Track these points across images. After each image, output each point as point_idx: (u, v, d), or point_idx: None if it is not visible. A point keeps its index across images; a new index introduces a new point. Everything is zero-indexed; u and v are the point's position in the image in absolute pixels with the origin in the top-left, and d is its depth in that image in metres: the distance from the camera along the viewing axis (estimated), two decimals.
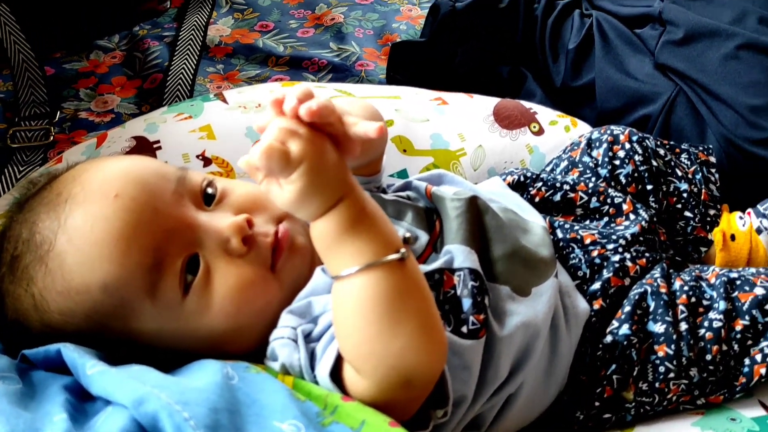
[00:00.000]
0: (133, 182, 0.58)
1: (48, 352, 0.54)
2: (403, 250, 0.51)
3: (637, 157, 0.78)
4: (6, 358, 0.55)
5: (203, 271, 0.58)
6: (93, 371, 0.49)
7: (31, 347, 0.56)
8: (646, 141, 0.80)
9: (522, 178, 0.78)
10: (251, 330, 0.59)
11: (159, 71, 1.22)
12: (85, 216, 0.56)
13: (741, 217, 0.81)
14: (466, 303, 0.59)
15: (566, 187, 0.76)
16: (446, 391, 0.55)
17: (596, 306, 0.67)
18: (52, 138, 1.09)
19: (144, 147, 0.80)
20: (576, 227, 0.72)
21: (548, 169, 0.83)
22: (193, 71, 1.21)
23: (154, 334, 0.57)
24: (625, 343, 0.64)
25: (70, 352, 0.52)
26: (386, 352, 0.50)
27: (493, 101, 0.92)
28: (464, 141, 0.88)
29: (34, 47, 1.20)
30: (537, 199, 0.77)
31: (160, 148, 0.80)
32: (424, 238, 0.65)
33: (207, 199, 0.62)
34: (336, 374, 0.54)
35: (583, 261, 0.69)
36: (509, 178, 0.79)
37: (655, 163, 0.79)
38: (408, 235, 0.54)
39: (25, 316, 0.58)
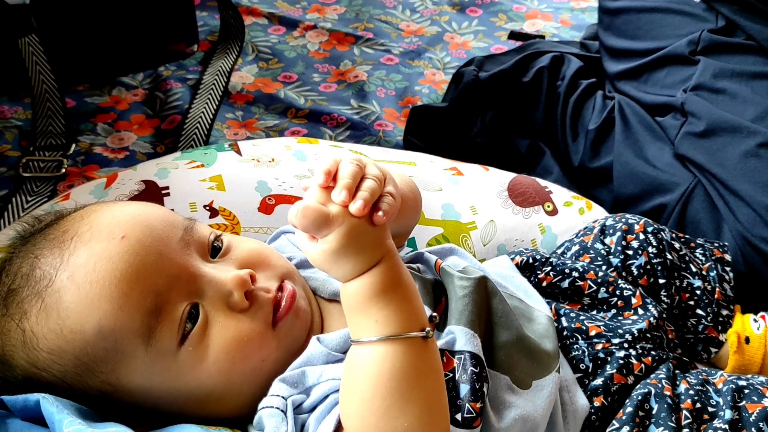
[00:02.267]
0: (141, 226, 0.57)
1: (27, 402, 0.52)
2: (428, 328, 0.51)
3: (651, 249, 0.77)
4: None
5: (202, 321, 0.57)
6: (69, 429, 0.48)
7: (10, 392, 0.54)
8: (662, 233, 0.79)
9: (531, 260, 0.77)
10: (241, 391, 0.57)
11: (178, 113, 1.23)
12: (90, 254, 0.55)
13: (755, 320, 0.79)
14: (464, 389, 0.57)
15: (575, 274, 0.74)
16: None
17: (597, 403, 0.65)
18: (63, 170, 1.09)
19: (152, 192, 0.79)
20: (582, 317, 0.70)
21: (559, 251, 0.82)
22: (212, 116, 1.22)
23: (140, 386, 0.56)
24: None
25: (49, 405, 0.50)
26: (390, 428, 0.49)
27: (508, 176, 0.91)
28: (476, 214, 0.86)
29: (58, 78, 1.20)
30: (544, 284, 0.75)
31: (168, 194, 0.79)
32: (427, 312, 0.63)
33: (213, 252, 0.61)
34: None
35: (586, 354, 0.67)
36: (518, 258, 0.77)
37: (669, 257, 0.77)
38: (435, 314, 0.53)
39: (11, 352, 0.56)
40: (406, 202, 0.64)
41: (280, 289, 0.60)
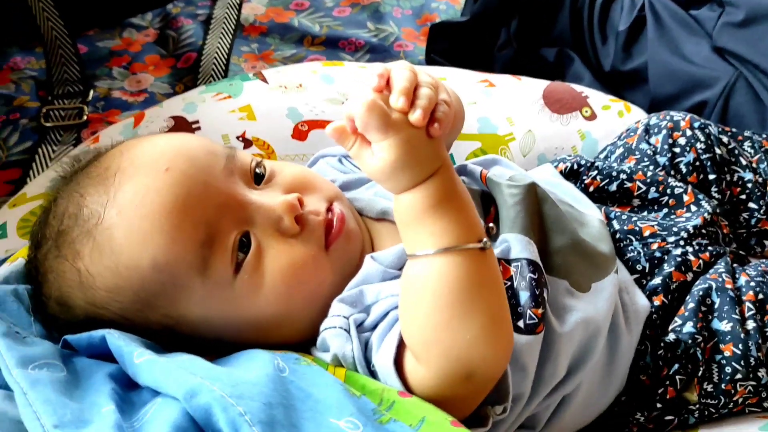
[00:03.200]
0: (184, 157, 0.55)
1: (91, 339, 0.52)
2: (485, 239, 0.49)
3: (699, 145, 0.74)
4: (49, 344, 0.53)
5: (255, 249, 0.55)
6: (141, 360, 0.47)
7: (72, 332, 0.54)
8: (709, 128, 0.76)
9: (575, 166, 0.75)
10: (300, 316, 0.57)
11: (193, 50, 1.20)
12: (136, 189, 0.54)
13: None
14: (524, 296, 0.56)
15: (623, 176, 0.73)
16: (506, 386, 0.52)
17: (657, 302, 0.64)
18: (85, 117, 1.07)
19: (182, 127, 0.77)
20: (634, 218, 0.69)
21: (602, 156, 0.80)
22: (227, 50, 1.19)
23: (200, 317, 0.55)
24: (690, 341, 0.61)
25: (116, 340, 0.50)
26: (453, 341, 0.48)
27: (542, 84, 0.88)
28: (513, 125, 0.84)
29: (67, 24, 1.17)
30: (591, 189, 0.73)
31: (199, 128, 0.77)
32: None
33: (256, 179, 0.59)
34: (396, 363, 0.51)
35: (642, 254, 0.66)
36: (561, 166, 0.75)
37: (718, 151, 0.75)
38: (491, 225, 0.52)
39: (68, 294, 0.55)
40: (456, 113, 0.62)
41: (329, 211, 0.59)
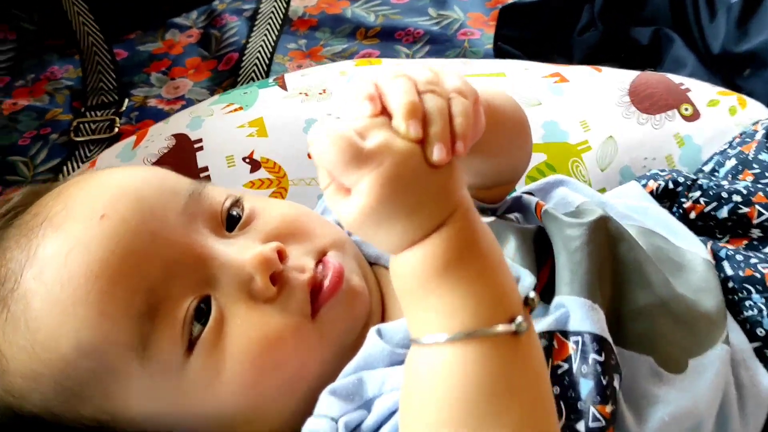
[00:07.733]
0: (127, 198, 0.43)
1: None
2: (520, 318, 0.34)
3: None
4: None
5: (215, 319, 0.42)
6: None
7: None
8: None
9: (671, 184, 0.57)
10: (276, 409, 0.44)
11: (235, 50, 1.09)
12: (61, 243, 0.42)
13: None
14: (586, 386, 0.41)
15: (737, 198, 0.55)
16: None
17: None
18: (116, 130, 0.98)
19: (183, 147, 0.66)
20: (753, 260, 0.51)
21: (707, 169, 0.62)
22: (272, 48, 1.07)
23: (143, 413, 0.43)
24: None
25: None
26: None
27: (629, 75, 0.71)
28: (588, 131, 0.67)
29: (105, 29, 1.10)
30: (693, 215, 0.56)
31: (201, 148, 0.65)
32: (528, 279, 0.46)
33: (229, 224, 0.46)
34: None
35: (765, 313, 0.48)
36: (652, 184, 0.58)
37: None
38: (532, 295, 0.36)
39: None
40: (499, 120, 0.46)
41: (320, 264, 0.44)
